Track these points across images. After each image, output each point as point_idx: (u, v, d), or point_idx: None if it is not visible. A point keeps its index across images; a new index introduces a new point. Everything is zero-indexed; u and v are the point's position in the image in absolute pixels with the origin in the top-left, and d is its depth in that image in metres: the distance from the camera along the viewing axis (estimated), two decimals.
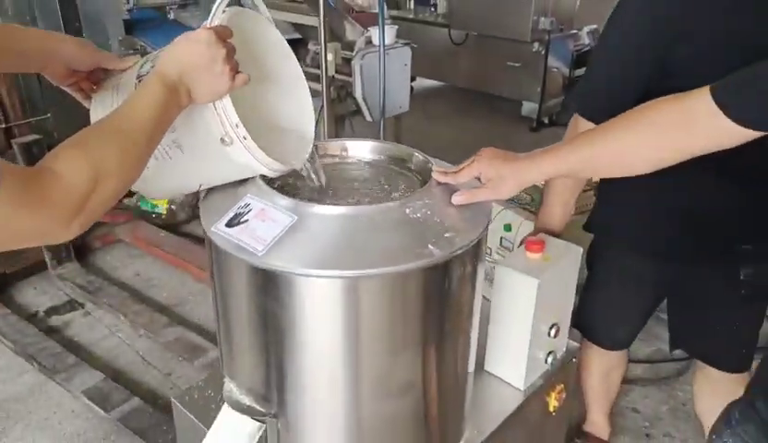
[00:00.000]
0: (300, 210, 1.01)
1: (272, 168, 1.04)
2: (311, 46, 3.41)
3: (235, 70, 0.95)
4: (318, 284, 0.98)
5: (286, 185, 1.19)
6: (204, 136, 0.99)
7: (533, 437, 1.55)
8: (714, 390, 1.68)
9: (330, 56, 2.89)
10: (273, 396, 1.11)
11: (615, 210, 1.60)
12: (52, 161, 0.75)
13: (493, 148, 1.11)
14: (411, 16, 5.64)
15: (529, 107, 5.17)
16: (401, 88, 3.27)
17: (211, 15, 0.96)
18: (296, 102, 1.21)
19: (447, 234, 1.02)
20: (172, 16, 3.79)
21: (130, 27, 3.44)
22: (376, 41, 3.09)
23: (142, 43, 3.37)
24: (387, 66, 3.02)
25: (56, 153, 0.77)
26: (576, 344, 1.59)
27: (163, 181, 1.12)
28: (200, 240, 3.24)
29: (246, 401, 1.15)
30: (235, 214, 1.05)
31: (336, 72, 3.20)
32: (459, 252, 1.02)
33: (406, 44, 3.29)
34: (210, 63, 0.90)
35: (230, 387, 1.19)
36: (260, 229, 1.01)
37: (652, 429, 2.17)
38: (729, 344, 1.63)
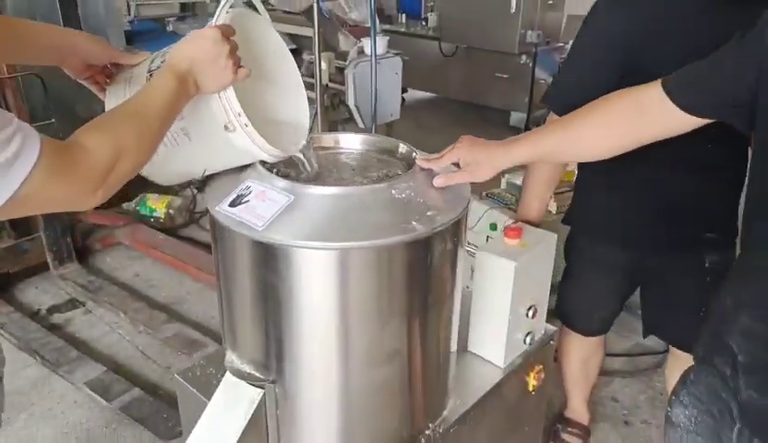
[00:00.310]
0: (296, 191, 1.13)
1: (271, 153, 1.15)
2: (305, 56, 3.53)
3: (238, 65, 1.06)
4: (312, 256, 1.08)
5: (282, 174, 1.30)
6: (209, 123, 1.10)
7: (513, 415, 1.65)
8: (677, 365, 1.79)
9: (324, 65, 3.02)
10: (272, 364, 1.21)
11: (588, 205, 1.72)
12: (80, 138, 0.86)
13: (471, 136, 1.23)
14: (403, 29, 5.80)
15: (517, 117, 5.33)
16: (392, 96, 3.40)
17: (216, 14, 1.08)
18: (293, 98, 1.32)
19: (429, 213, 1.13)
20: (170, 27, 3.93)
21: (131, 38, 3.57)
22: (367, 51, 3.22)
23: (143, 53, 3.49)
24: (378, 75, 3.14)
25: (84, 131, 0.88)
26: (553, 328, 1.70)
27: (171, 166, 1.22)
28: (198, 243, 3.35)
29: (247, 369, 1.25)
30: (237, 195, 1.16)
31: (330, 81, 3.34)
32: (440, 229, 1.13)
33: (397, 54, 3.42)
34: (215, 57, 1.02)
35: (231, 357, 1.29)
36: (260, 208, 1.12)
37: (630, 417, 2.27)
38: (697, 329, 1.75)
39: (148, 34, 3.72)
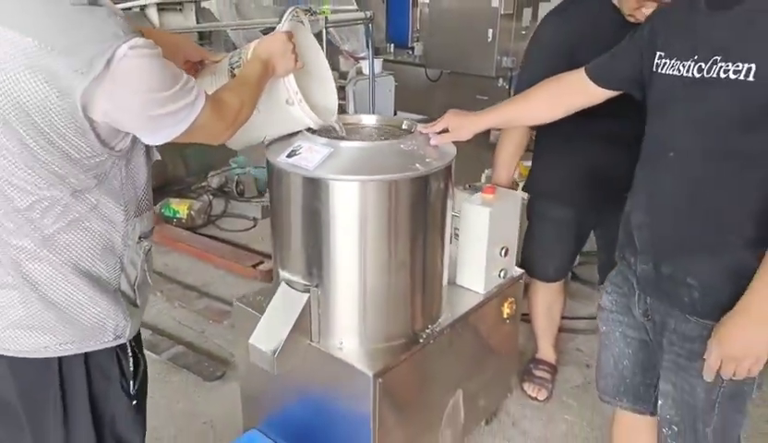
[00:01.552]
0: (334, 145, 1.62)
1: (316, 121, 1.63)
2: None
3: (296, 57, 1.55)
4: (344, 186, 1.56)
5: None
6: (276, 99, 1.58)
7: (492, 336, 2.12)
8: None
9: None
10: (314, 272, 1.68)
11: (542, 173, 2.23)
12: (220, 95, 1.29)
13: (454, 109, 1.74)
14: (391, 58, 6.38)
15: (496, 134, 5.86)
16: (386, 109, 3.92)
17: (282, 23, 1.58)
18: (323, 85, 1.81)
19: (427, 160, 1.63)
20: None
21: None
22: (365, 71, 3.76)
23: None
24: (376, 91, 3.67)
25: (220, 92, 1.30)
26: (521, 270, 2.18)
27: (245, 134, 1.69)
28: (217, 239, 3.78)
29: (296, 279, 1.72)
30: (292, 150, 1.64)
31: None
32: (435, 170, 1.62)
33: (390, 74, 3.96)
34: (284, 51, 1.50)
35: (283, 274, 1.76)
36: (309, 157, 1.60)
37: (591, 361, 2.73)
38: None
39: None
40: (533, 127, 2.18)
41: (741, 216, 1.24)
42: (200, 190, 4.39)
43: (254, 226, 4.06)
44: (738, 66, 1.16)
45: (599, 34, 1.79)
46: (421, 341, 1.77)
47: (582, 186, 2.10)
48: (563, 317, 2.60)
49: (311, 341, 1.73)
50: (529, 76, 1.99)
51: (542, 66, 1.98)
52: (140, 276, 1.32)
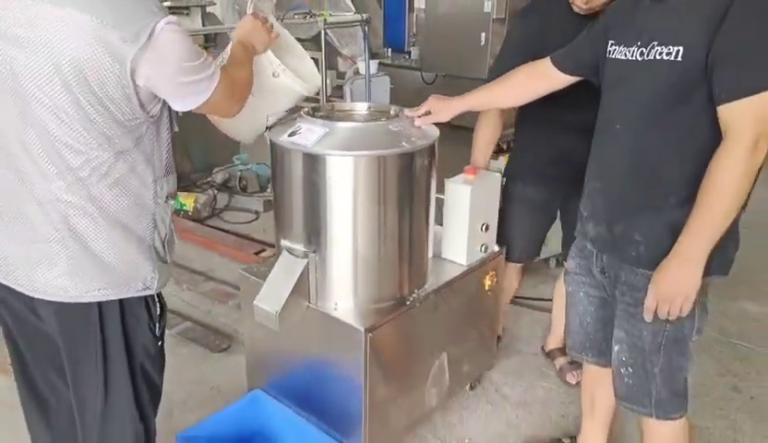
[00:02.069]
0: (330, 125, 1.83)
1: (303, 86, 1.80)
2: None
3: (270, 30, 1.72)
4: (339, 161, 1.77)
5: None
6: (264, 77, 1.74)
7: (474, 305, 2.32)
8: None
9: (328, 81, 3.76)
10: (312, 239, 1.88)
11: (516, 158, 2.43)
12: (228, 72, 1.50)
13: (436, 94, 1.96)
14: (389, 61, 6.61)
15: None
16: None
17: (248, 7, 1.80)
18: (295, 56, 1.98)
19: (412, 138, 1.84)
20: None
21: None
22: (362, 71, 3.97)
23: None
24: (371, 90, 3.89)
25: (225, 69, 1.49)
26: (503, 246, 2.38)
27: (250, 121, 1.88)
28: (221, 230, 3.99)
29: (295, 246, 1.92)
30: (293, 130, 1.85)
31: (330, 95, 4.08)
32: (419, 148, 1.83)
33: (385, 75, 4.19)
34: (253, 28, 1.68)
35: (284, 242, 1.96)
36: (308, 136, 1.81)
37: None
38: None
39: None
40: (515, 119, 2.41)
41: (677, 179, 1.44)
42: (205, 185, 4.60)
43: (256, 219, 4.27)
44: (669, 49, 1.38)
45: (560, 29, 2.01)
46: (408, 303, 1.97)
47: (549, 170, 2.30)
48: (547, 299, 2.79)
49: (309, 302, 1.94)
50: (498, 67, 2.21)
51: (510, 59, 2.21)
52: (169, 233, 1.51)
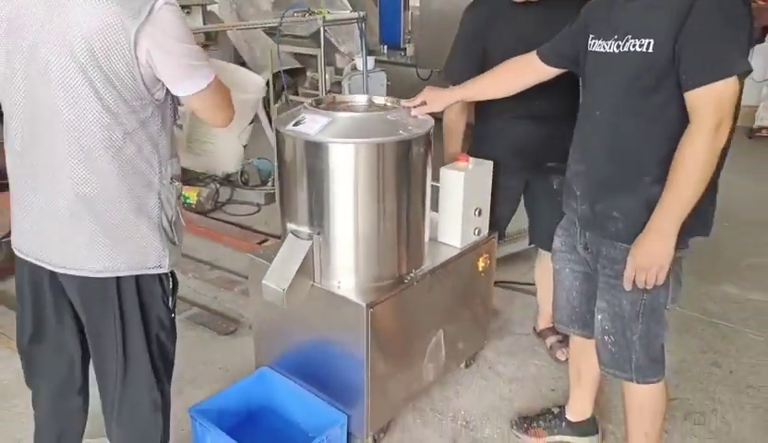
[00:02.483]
0: (332, 115, 1.96)
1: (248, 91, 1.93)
2: (309, 73, 4.41)
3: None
4: (341, 148, 1.90)
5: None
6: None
7: (468, 285, 2.46)
8: (547, 267, 2.43)
9: (326, 76, 3.89)
10: (316, 222, 2.01)
11: (483, 147, 2.49)
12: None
13: (430, 86, 2.10)
14: (384, 58, 6.73)
15: None
16: None
17: None
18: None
19: (409, 127, 1.98)
20: None
21: None
22: (359, 67, 4.09)
23: None
24: (368, 86, 4.01)
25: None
26: (495, 232, 2.52)
27: (228, 147, 1.98)
28: (225, 222, 4.11)
29: (300, 229, 2.05)
30: (297, 120, 1.99)
31: (329, 91, 4.20)
32: (416, 136, 1.97)
33: (382, 70, 4.31)
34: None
35: (290, 225, 2.09)
36: (311, 125, 1.95)
37: None
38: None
39: None
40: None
41: (651, 160, 1.58)
42: (208, 180, 4.72)
43: (258, 211, 4.40)
44: (641, 41, 1.51)
45: (504, 20, 2.21)
46: (406, 281, 2.11)
47: (509, 159, 2.41)
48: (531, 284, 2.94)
49: (314, 281, 2.07)
50: (452, 62, 2.43)
51: (461, 53, 2.40)
52: (175, 215, 1.63)
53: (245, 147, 2.28)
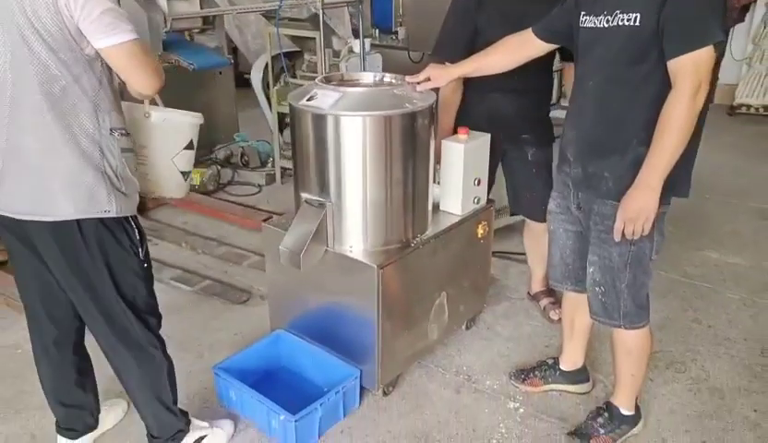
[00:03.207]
0: (343, 91, 2.11)
1: (184, 116, 1.97)
2: (306, 56, 4.52)
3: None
4: (351, 120, 2.06)
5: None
6: (139, 122, 1.87)
7: (468, 251, 2.62)
8: (532, 234, 2.82)
9: (325, 59, 4.02)
10: (328, 190, 2.17)
11: (464, 118, 2.63)
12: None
13: (433, 63, 2.25)
14: (377, 42, 6.85)
15: None
16: None
17: None
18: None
19: (414, 101, 2.14)
20: (194, 38, 4.89)
21: (165, 46, 4.51)
22: (356, 49, 4.23)
23: (175, 58, 4.45)
24: (365, 67, 4.15)
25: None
26: (493, 199, 2.69)
27: (163, 175, 1.96)
28: (227, 202, 4.24)
29: (314, 197, 2.21)
30: (310, 96, 2.14)
31: (327, 73, 4.32)
32: (420, 109, 2.13)
33: (377, 53, 4.45)
34: None
35: (304, 194, 2.25)
36: (324, 100, 2.10)
37: None
38: (534, 203, 2.69)
39: (177, 43, 4.67)
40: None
41: (637, 124, 1.75)
42: (209, 162, 4.84)
43: (259, 191, 4.54)
44: (629, 15, 1.68)
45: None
46: (412, 245, 2.28)
47: (491, 125, 2.54)
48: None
49: (327, 246, 2.23)
50: (443, 40, 2.58)
51: (452, 32, 2.55)
52: (120, 166, 1.70)
53: (186, 174, 2.05)
